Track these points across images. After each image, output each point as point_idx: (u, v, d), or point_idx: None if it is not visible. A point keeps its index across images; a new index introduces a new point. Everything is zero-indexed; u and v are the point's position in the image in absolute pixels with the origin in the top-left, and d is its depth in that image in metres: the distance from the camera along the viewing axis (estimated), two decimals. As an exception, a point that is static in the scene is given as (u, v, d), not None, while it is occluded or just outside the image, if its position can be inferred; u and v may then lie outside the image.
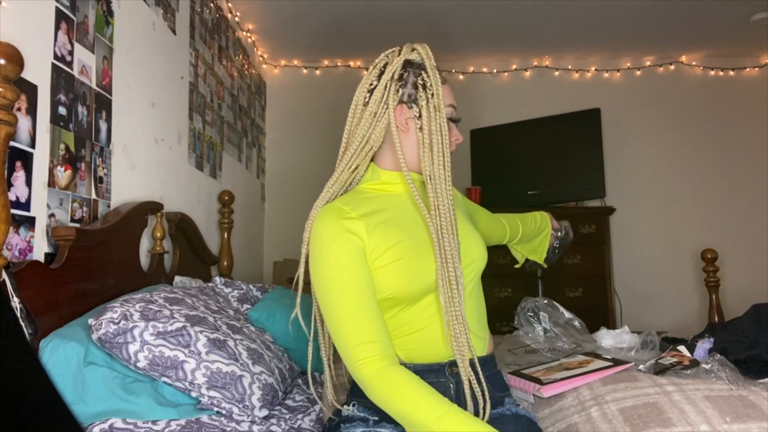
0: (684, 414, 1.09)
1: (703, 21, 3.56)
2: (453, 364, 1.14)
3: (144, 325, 1.33)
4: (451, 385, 1.14)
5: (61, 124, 1.60)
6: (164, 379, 1.34)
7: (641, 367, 1.38)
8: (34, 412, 0.48)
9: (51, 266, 1.45)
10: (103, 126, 1.84)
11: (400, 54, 1.20)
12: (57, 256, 1.50)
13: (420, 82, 1.18)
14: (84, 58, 1.74)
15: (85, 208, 1.72)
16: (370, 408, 1.16)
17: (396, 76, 1.18)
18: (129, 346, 1.31)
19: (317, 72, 4.20)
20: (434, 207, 1.13)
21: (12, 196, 1.36)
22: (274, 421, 1.37)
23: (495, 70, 4.20)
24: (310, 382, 1.24)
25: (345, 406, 1.20)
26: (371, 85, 1.21)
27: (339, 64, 4.19)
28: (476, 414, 1.10)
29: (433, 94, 1.17)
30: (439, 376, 1.14)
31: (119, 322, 1.32)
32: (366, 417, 1.16)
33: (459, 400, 1.12)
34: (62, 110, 1.61)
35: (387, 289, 1.12)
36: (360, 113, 1.21)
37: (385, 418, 1.14)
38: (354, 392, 1.20)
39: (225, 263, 2.74)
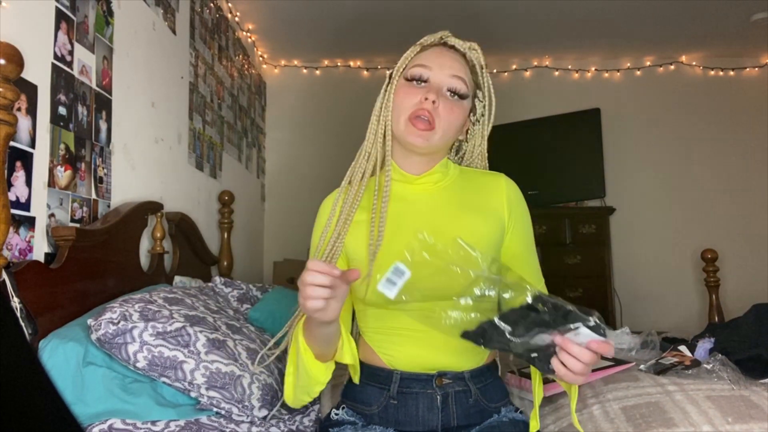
0: (686, 414, 1.08)
1: (703, 21, 3.56)
2: (442, 375, 1.10)
3: (143, 326, 1.33)
4: (438, 396, 1.10)
5: (61, 124, 1.60)
6: (163, 379, 1.33)
7: (642, 366, 1.38)
8: (34, 412, 0.48)
9: (51, 266, 1.44)
10: (103, 126, 1.84)
11: None
12: (57, 256, 1.50)
13: None
14: (84, 58, 1.73)
15: (85, 208, 1.72)
16: (359, 412, 1.15)
17: None
18: (128, 347, 1.31)
19: (317, 72, 4.20)
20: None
21: (12, 196, 1.36)
22: (273, 422, 1.36)
23: (495, 70, 4.19)
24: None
25: (333, 410, 1.18)
26: None
27: (339, 64, 4.19)
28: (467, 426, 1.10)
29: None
30: (426, 386, 1.10)
31: (118, 322, 1.32)
32: (354, 421, 1.14)
33: (446, 412, 1.10)
34: (62, 110, 1.60)
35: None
36: None
37: (373, 421, 1.13)
38: (344, 395, 1.19)
39: (225, 263, 2.74)
